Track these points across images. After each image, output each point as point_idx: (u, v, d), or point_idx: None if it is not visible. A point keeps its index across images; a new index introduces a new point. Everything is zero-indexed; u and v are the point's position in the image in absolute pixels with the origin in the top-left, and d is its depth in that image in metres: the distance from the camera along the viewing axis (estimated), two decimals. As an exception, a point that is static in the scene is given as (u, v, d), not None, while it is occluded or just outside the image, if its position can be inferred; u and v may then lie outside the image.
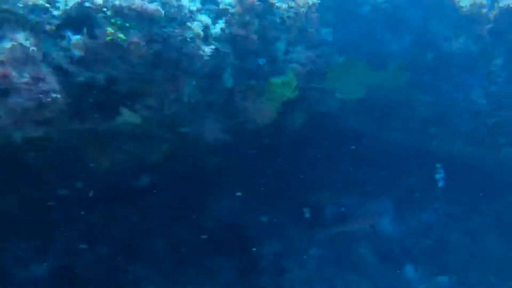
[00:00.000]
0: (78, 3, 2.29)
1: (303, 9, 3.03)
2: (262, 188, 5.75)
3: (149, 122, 2.80)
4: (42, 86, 2.18)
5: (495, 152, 4.78)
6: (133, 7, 2.31)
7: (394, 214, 6.28)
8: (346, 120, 4.58)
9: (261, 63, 2.86)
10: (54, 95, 2.22)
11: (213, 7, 2.80)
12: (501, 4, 3.62)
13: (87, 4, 2.31)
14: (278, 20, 2.98)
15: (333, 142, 5.19)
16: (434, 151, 5.09)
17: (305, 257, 5.87)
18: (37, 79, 2.16)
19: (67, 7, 2.29)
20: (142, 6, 2.33)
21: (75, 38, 2.29)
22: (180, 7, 2.49)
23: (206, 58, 2.53)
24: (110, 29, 2.30)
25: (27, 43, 2.15)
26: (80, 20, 2.34)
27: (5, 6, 2.17)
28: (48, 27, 2.26)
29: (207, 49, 2.54)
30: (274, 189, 5.87)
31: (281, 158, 5.15)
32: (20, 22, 2.19)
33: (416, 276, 5.68)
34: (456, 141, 4.75)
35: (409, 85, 4.05)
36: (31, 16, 2.22)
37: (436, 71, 3.85)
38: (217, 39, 2.69)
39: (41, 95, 2.17)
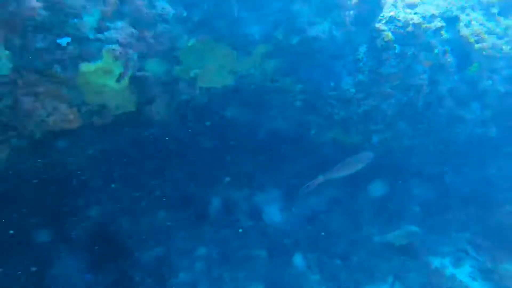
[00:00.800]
0: None
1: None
2: (135, 190, 5.14)
3: None
4: None
5: (367, 139, 4.86)
6: None
7: (282, 204, 6.21)
8: (219, 111, 4.18)
9: (63, 44, 2.16)
10: None
11: None
12: (361, -10, 3.52)
13: None
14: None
15: (210, 134, 4.80)
16: (313, 139, 5.03)
17: (191, 259, 5.48)
18: None
19: None
20: None
21: None
22: None
23: None
24: None
25: None
26: None
27: None
28: None
29: None
30: (149, 188, 5.31)
31: (152, 155, 4.60)
32: None
33: (304, 264, 5.70)
34: (332, 129, 4.70)
35: (279, 71, 3.78)
36: None
37: (304, 58, 3.64)
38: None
39: None
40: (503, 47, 4.38)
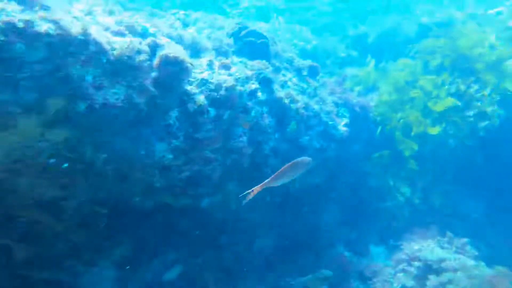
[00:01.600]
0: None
1: None
2: None
3: None
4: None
5: (198, 202, 4.55)
6: None
7: (116, 280, 5.36)
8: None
9: None
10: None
11: None
12: (161, 53, 3.26)
13: None
14: None
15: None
16: (139, 206, 4.47)
17: None
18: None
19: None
20: None
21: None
22: None
23: None
24: None
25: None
26: None
27: None
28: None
29: None
30: None
31: None
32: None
33: None
34: (157, 196, 4.24)
35: (72, 142, 3.16)
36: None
37: (98, 126, 3.12)
38: None
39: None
40: (314, 106, 4.71)
